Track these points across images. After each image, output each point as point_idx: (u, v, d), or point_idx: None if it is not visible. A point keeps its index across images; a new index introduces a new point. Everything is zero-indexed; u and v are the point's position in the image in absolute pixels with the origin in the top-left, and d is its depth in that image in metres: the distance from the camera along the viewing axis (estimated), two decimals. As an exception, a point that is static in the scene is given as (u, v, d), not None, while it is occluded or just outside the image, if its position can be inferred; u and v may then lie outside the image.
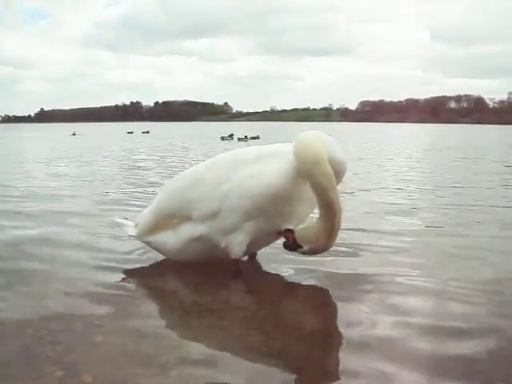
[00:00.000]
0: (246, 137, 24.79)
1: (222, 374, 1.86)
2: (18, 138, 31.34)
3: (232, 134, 25.64)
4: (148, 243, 3.12)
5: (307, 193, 2.65)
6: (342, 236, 3.64)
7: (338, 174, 2.68)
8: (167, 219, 2.96)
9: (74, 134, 34.05)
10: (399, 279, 2.86)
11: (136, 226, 3.11)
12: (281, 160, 2.67)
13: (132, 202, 5.39)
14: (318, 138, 2.63)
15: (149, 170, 9.50)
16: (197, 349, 2.06)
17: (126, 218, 3.39)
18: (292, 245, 2.73)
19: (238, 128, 43.48)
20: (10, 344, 2.05)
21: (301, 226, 2.80)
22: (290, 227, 2.76)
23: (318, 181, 2.51)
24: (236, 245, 2.76)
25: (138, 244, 3.26)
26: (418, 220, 4.59)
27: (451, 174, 8.75)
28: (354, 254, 3.34)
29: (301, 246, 2.71)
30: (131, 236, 3.17)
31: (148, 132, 40.15)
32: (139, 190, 6.52)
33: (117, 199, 5.70)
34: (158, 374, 1.82)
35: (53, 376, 1.79)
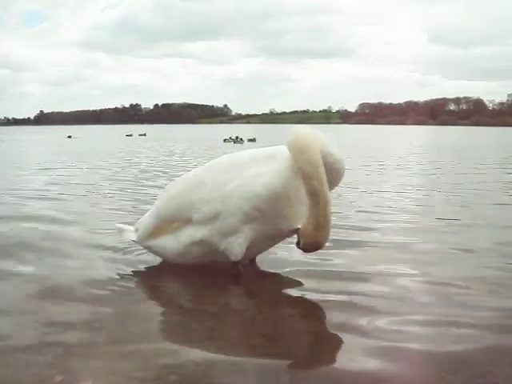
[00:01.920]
0: (241, 139, 24.70)
1: (221, 378, 1.86)
2: (12, 140, 31.39)
3: (237, 137, 25.49)
4: (148, 248, 3.11)
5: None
6: (343, 238, 3.66)
7: (338, 172, 2.73)
8: (168, 223, 2.96)
9: (69, 137, 33.99)
10: (402, 282, 2.86)
11: (136, 230, 3.12)
12: (280, 161, 2.69)
13: (131, 207, 5.35)
14: (310, 131, 2.68)
15: (147, 174, 9.40)
16: (197, 352, 2.06)
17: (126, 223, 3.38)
18: (297, 242, 2.75)
19: (237, 130, 43.39)
20: (8, 348, 2.04)
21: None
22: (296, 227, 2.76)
23: (301, 168, 2.54)
24: (236, 247, 2.75)
25: (138, 248, 3.26)
26: (420, 228, 4.60)
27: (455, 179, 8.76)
28: (356, 258, 3.33)
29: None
30: (132, 241, 3.17)
31: (145, 135, 39.99)
32: (137, 194, 6.47)
33: (116, 203, 5.66)
34: (158, 378, 1.81)
35: (52, 380, 1.78)
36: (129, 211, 5.04)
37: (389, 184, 7.69)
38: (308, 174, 2.53)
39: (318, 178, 2.53)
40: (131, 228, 3.19)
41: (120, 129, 65.85)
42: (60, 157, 14.58)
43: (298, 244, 2.77)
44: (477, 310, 2.46)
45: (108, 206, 5.44)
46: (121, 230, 3.25)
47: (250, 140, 24.86)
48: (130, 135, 38.71)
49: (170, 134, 46.05)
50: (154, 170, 9.96)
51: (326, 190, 2.56)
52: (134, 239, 3.12)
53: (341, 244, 3.54)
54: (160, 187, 6.36)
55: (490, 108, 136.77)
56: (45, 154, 16.16)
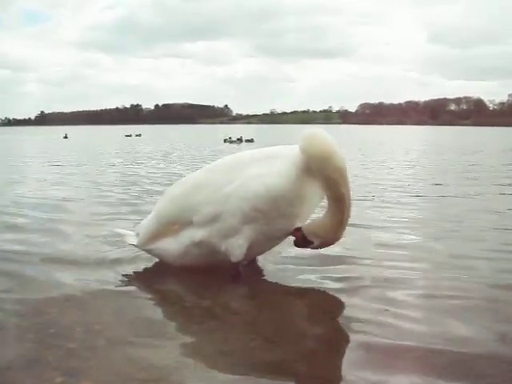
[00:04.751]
0: (239, 139, 24.59)
1: (222, 379, 1.86)
2: (4, 140, 31.47)
3: (241, 137, 25.22)
4: (149, 251, 3.10)
5: (309, 192, 2.66)
6: (344, 241, 3.66)
7: None
8: (168, 226, 2.95)
9: (65, 137, 33.88)
10: (403, 284, 2.86)
11: (137, 235, 3.11)
12: (282, 161, 2.68)
13: (130, 210, 5.26)
14: (326, 134, 2.67)
15: (145, 176, 9.03)
16: (197, 353, 2.06)
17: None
18: (302, 242, 2.76)
19: (238, 131, 43.31)
20: (10, 349, 2.05)
21: (307, 222, 2.82)
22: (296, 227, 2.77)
23: (330, 175, 2.54)
24: (236, 248, 2.75)
25: (138, 251, 3.25)
26: (419, 231, 4.59)
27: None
28: (357, 259, 3.32)
29: (311, 242, 2.74)
30: (132, 245, 3.17)
31: (140, 135, 39.70)
32: (136, 196, 6.39)
33: (116, 206, 5.61)
34: (159, 379, 1.82)
35: (53, 382, 1.79)
36: (127, 214, 5.01)
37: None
38: (336, 180, 2.55)
39: (345, 184, 2.56)
40: (131, 232, 3.19)
41: (120, 129, 65.69)
42: (47, 157, 14.49)
43: (299, 244, 2.78)
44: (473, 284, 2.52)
45: (106, 209, 5.39)
46: (121, 235, 3.24)
47: (248, 141, 24.62)
48: (129, 135, 38.53)
49: (168, 134, 45.94)
50: (152, 173, 9.77)
51: (349, 193, 2.59)
52: (135, 243, 3.12)
53: (342, 243, 3.54)
54: (158, 189, 6.34)
55: (491, 108, 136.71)
56: (34, 154, 16.05)
